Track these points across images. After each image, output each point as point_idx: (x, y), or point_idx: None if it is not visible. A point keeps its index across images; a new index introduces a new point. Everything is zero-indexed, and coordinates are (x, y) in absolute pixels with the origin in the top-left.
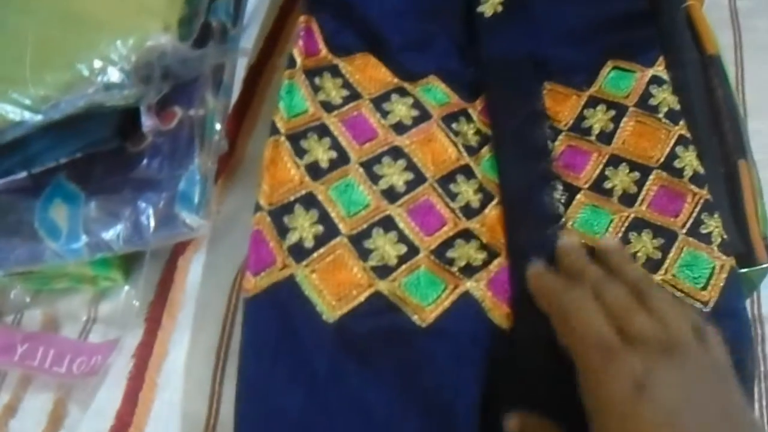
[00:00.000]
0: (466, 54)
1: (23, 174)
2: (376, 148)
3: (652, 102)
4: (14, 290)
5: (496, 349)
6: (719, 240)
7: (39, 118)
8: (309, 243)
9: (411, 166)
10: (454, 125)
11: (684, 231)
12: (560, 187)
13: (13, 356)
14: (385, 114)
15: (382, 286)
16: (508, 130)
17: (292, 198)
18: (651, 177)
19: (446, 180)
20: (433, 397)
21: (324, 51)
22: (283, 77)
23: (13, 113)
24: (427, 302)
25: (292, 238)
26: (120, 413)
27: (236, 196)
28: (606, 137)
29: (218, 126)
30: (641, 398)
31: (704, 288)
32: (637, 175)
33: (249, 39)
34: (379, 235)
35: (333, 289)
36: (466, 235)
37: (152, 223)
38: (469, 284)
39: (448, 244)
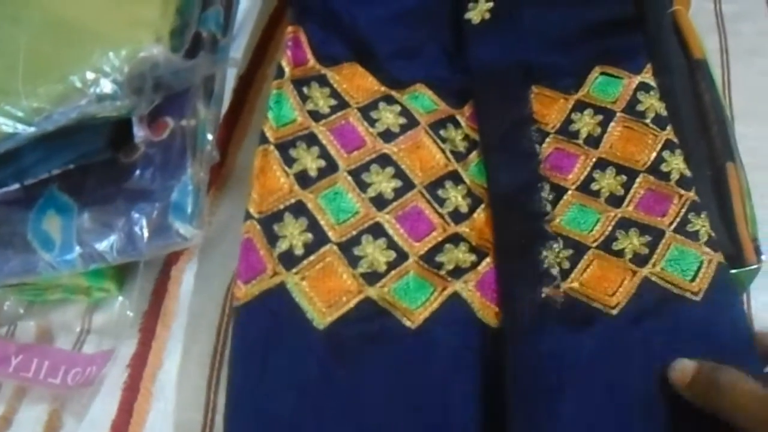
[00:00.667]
0: (454, 61)
1: (16, 186)
2: (365, 156)
3: (640, 108)
4: (8, 302)
5: (485, 348)
6: (706, 237)
7: (32, 129)
8: (299, 251)
9: (399, 173)
10: (442, 132)
11: (671, 229)
12: (547, 187)
13: (7, 368)
14: (372, 122)
15: (372, 292)
16: (496, 135)
17: (281, 206)
18: (638, 180)
19: (435, 186)
20: (424, 398)
21: (312, 61)
22: (271, 87)
23: (6, 125)
24: (416, 305)
25: (282, 245)
26: (115, 424)
27: (227, 206)
28: (593, 141)
29: (210, 136)
30: None
31: (693, 280)
32: (624, 178)
33: (238, 49)
34: (368, 242)
35: (323, 296)
36: (455, 239)
37: (146, 234)
38: (458, 285)
39: (437, 249)
